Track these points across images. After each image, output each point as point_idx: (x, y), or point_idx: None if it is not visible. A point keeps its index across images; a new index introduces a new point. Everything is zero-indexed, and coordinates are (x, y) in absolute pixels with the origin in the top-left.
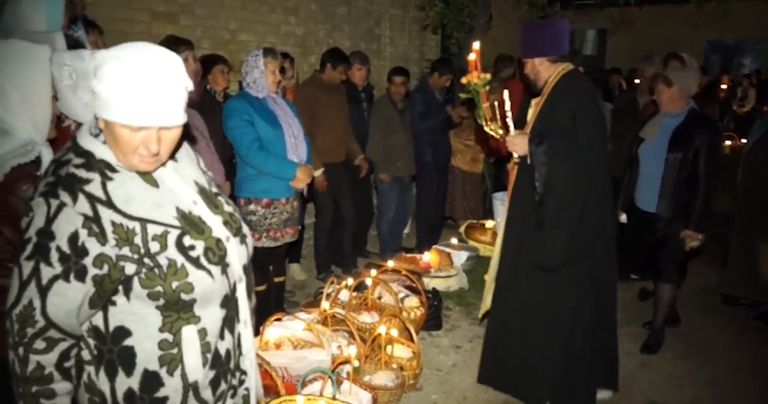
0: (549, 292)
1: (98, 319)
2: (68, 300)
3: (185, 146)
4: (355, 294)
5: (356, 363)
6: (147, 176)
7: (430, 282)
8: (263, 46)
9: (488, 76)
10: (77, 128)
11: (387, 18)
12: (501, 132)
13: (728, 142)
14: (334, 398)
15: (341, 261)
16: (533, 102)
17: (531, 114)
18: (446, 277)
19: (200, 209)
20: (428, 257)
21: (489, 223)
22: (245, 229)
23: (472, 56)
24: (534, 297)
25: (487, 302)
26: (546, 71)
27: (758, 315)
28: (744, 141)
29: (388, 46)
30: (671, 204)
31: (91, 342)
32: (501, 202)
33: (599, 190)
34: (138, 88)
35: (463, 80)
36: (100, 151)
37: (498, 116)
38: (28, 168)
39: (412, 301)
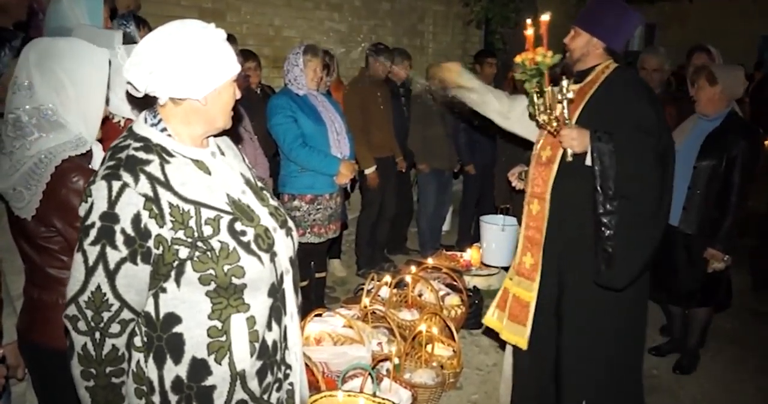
0: (605, 308)
1: (150, 306)
2: (137, 280)
3: (229, 142)
4: (395, 291)
5: (396, 361)
6: (200, 163)
7: (471, 281)
8: (306, 42)
9: (558, 56)
10: (126, 124)
11: (430, 14)
12: (555, 124)
13: None
14: (374, 395)
15: (377, 256)
16: (570, 87)
17: (568, 103)
18: (487, 276)
19: (248, 198)
20: (469, 255)
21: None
22: (290, 223)
23: (530, 31)
24: (584, 313)
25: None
26: (596, 58)
27: None
28: None
29: (431, 42)
30: (697, 218)
31: (143, 328)
32: (494, 226)
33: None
34: (218, 46)
35: (518, 58)
36: (157, 137)
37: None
38: (78, 160)
39: (453, 299)
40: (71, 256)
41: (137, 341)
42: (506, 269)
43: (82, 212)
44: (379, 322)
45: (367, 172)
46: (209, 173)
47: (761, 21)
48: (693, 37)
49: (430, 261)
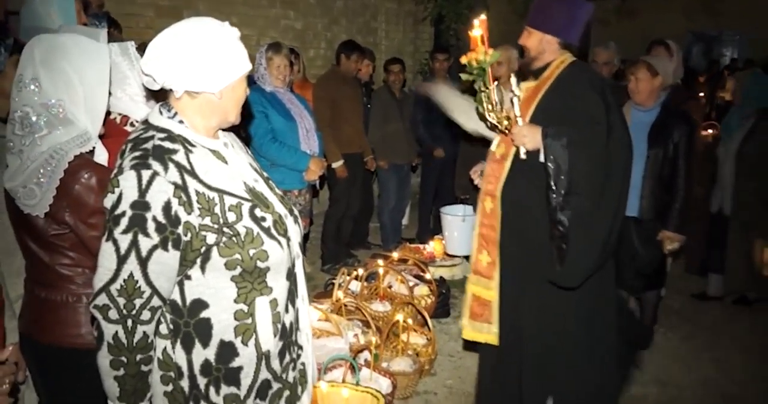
0: (565, 306)
1: (175, 293)
2: (167, 267)
3: (234, 136)
4: (365, 284)
5: (375, 351)
6: (216, 153)
7: (435, 272)
8: (264, 40)
9: (498, 53)
10: (122, 121)
11: (383, 11)
12: (506, 123)
13: (711, 131)
14: (357, 384)
15: (341, 251)
16: (522, 86)
17: (518, 100)
18: (451, 266)
19: (261, 187)
20: (432, 246)
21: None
22: (296, 211)
23: (476, 32)
24: (541, 311)
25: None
26: (551, 54)
27: (737, 300)
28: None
29: (384, 39)
30: (654, 204)
31: (168, 316)
32: (455, 218)
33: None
34: (234, 43)
35: (463, 59)
36: (177, 128)
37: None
38: (87, 156)
39: (422, 290)
40: (81, 253)
41: (162, 328)
42: (469, 258)
43: (108, 203)
44: (351, 315)
45: (335, 165)
46: (226, 162)
47: (689, 18)
48: (628, 34)
49: (395, 254)
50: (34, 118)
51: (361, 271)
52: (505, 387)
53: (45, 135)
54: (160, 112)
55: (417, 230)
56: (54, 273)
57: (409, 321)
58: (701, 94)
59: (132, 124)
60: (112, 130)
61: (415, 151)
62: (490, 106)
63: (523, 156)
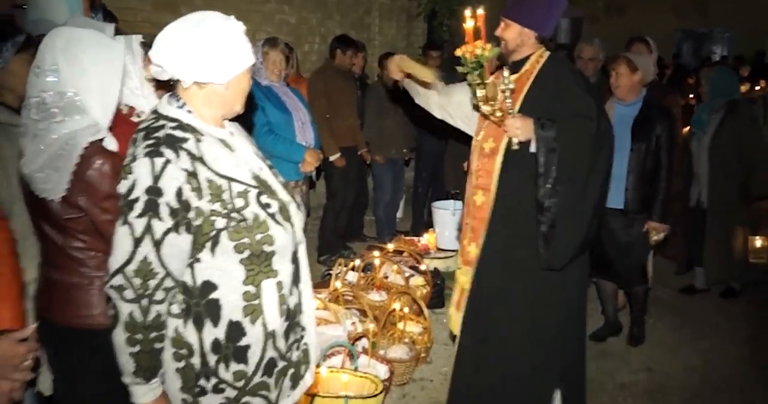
0: (551, 293)
1: (186, 276)
2: (179, 250)
3: (238, 126)
4: (362, 274)
5: (372, 339)
6: (223, 142)
7: (430, 263)
8: (259, 34)
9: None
10: (129, 112)
11: (376, 6)
12: (499, 114)
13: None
14: (356, 369)
15: (337, 243)
16: (510, 78)
17: (510, 93)
18: (445, 258)
19: (266, 174)
20: (426, 239)
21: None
22: (297, 199)
23: (469, 24)
24: (530, 299)
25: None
26: (530, 48)
27: (724, 292)
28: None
29: (377, 34)
30: (638, 197)
31: (179, 297)
32: (446, 212)
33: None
34: (239, 36)
35: (458, 52)
36: (186, 117)
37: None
38: (99, 144)
39: (418, 280)
40: (93, 237)
41: (174, 309)
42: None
43: (123, 189)
44: (348, 305)
45: (332, 158)
46: (232, 151)
47: (680, 14)
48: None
49: (390, 246)
50: (50, 103)
51: (358, 262)
52: (487, 385)
53: (60, 121)
54: (169, 102)
55: (411, 223)
56: (67, 256)
57: (405, 310)
58: (691, 96)
59: (138, 115)
60: (120, 120)
61: (409, 145)
62: (485, 99)
63: (515, 146)
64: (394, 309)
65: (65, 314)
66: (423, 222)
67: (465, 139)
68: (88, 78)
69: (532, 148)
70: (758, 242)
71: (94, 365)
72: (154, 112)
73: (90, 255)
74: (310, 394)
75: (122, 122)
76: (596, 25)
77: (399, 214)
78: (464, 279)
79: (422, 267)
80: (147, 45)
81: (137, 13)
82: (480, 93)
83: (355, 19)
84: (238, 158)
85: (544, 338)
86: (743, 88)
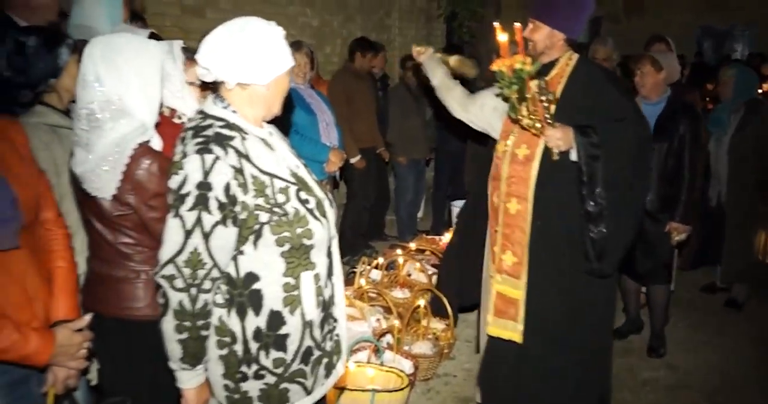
0: (596, 297)
1: (230, 267)
2: (227, 242)
3: (274, 127)
4: (385, 272)
5: (397, 335)
6: (264, 141)
7: None
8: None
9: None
10: (171, 114)
11: (396, 8)
12: (538, 126)
13: None
14: (381, 364)
15: (359, 242)
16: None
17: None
18: None
19: (303, 172)
20: (447, 238)
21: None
22: (330, 196)
23: (503, 37)
24: (572, 307)
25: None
26: (558, 50)
27: (728, 302)
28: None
29: (397, 36)
30: (658, 197)
31: (224, 287)
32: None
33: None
34: (280, 40)
35: (494, 67)
36: (232, 117)
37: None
38: (147, 145)
39: None
40: (141, 233)
41: (218, 298)
42: None
43: (174, 184)
44: (372, 302)
45: (353, 160)
46: (272, 149)
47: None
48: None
49: (412, 245)
50: (99, 114)
51: (381, 260)
52: (522, 386)
53: (111, 128)
54: (215, 103)
55: (431, 222)
56: (115, 250)
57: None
58: (707, 99)
59: (179, 117)
60: (163, 122)
61: (430, 146)
62: (525, 112)
63: (555, 157)
64: (418, 306)
65: (112, 306)
66: (443, 222)
67: (483, 140)
68: (128, 79)
69: (573, 157)
70: None
71: (139, 355)
72: (201, 112)
73: (137, 250)
74: (339, 387)
75: (165, 123)
76: (617, 26)
77: (419, 214)
78: (500, 287)
79: None
80: (188, 50)
81: (166, 18)
82: (521, 107)
83: (375, 20)
84: (277, 156)
85: (598, 341)
86: (766, 87)
